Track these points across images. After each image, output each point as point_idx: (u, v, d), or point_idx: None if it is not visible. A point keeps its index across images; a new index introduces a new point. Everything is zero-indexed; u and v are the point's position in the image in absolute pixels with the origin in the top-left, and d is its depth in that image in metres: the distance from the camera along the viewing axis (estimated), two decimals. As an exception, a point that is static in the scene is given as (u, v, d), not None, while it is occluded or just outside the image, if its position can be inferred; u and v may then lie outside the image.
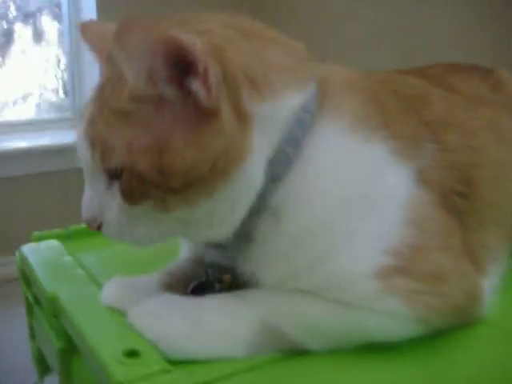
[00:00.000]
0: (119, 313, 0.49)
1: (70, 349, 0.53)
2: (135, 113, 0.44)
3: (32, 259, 0.63)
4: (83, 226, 0.71)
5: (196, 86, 0.41)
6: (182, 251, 0.59)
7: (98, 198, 0.47)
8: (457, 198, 0.53)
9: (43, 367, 0.66)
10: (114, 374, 0.41)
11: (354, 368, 0.45)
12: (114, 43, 0.42)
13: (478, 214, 0.55)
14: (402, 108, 0.54)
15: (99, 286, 0.55)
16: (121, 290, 0.52)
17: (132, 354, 0.43)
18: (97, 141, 0.45)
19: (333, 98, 0.49)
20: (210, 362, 0.44)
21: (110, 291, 0.52)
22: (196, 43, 0.40)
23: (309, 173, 0.46)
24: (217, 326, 0.46)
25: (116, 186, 0.45)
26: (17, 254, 0.67)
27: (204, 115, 0.42)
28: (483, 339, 0.49)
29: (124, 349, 0.43)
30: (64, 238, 0.71)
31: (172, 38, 0.40)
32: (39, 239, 0.69)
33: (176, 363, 0.43)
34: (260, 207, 0.47)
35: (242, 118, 0.43)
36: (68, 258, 0.63)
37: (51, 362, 0.60)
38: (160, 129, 0.43)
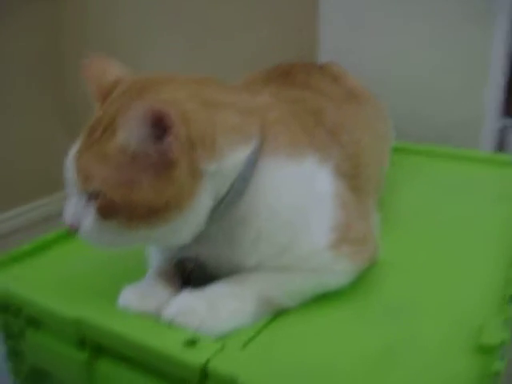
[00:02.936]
0: (145, 315, 0.62)
1: (93, 358, 0.64)
2: (116, 159, 0.58)
3: (14, 288, 0.69)
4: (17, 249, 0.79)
5: (167, 143, 0.56)
6: (155, 253, 0.72)
7: (77, 209, 0.61)
8: (351, 179, 0.75)
9: (37, 379, 0.73)
10: (190, 359, 0.54)
11: (313, 314, 0.65)
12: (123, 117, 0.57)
13: (360, 187, 0.78)
14: (314, 122, 0.73)
15: (106, 297, 0.65)
16: (139, 296, 0.64)
17: (190, 342, 0.57)
18: (81, 169, 0.59)
19: (269, 138, 0.65)
20: (238, 330, 0.61)
21: (131, 299, 0.63)
22: (172, 113, 0.55)
23: (260, 193, 0.64)
24: (230, 307, 0.62)
25: (92, 203, 0.59)
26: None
27: (166, 167, 0.57)
28: (390, 276, 0.73)
29: (184, 340, 0.57)
30: (9, 262, 0.77)
31: (158, 112, 0.55)
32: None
33: (220, 339, 0.59)
34: (228, 218, 0.63)
35: (194, 173, 0.59)
36: (50, 280, 0.71)
37: (64, 375, 0.69)
38: (132, 174, 0.57)
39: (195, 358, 0.55)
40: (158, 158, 0.57)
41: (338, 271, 0.67)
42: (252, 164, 0.63)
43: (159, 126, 0.55)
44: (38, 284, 0.71)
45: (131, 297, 0.64)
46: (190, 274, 0.69)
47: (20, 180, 2.09)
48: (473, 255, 0.79)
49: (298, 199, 0.65)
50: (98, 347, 0.63)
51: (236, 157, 0.62)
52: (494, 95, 1.24)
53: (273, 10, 1.59)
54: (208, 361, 0.55)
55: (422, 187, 1.03)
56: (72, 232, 0.62)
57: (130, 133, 0.57)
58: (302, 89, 0.84)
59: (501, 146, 1.50)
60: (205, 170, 0.59)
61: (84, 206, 0.60)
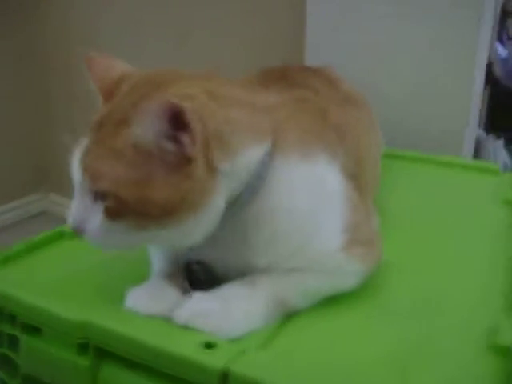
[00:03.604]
0: (154, 318, 0.59)
1: (97, 363, 0.60)
2: (129, 155, 0.55)
3: (6, 290, 0.65)
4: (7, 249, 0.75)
5: (185, 139, 0.54)
6: (160, 254, 0.69)
7: (83, 210, 0.58)
8: (354, 180, 0.74)
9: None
10: (209, 363, 0.52)
11: (325, 316, 0.64)
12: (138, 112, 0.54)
13: (362, 189, 0.77)
14: (321, 122, 0.72)
15: (108, 299, 0.63)
16: (148, 298, 0.61)
17: (208, 345, 0.54)
18: (89, 168, 0.56)
19: (281, 136, 0.63)
20: (253, 333, 0.59)
21: (138, 301, 0.61)
22: (190, 108, 0.53)
23: (275, 193, 0.62)
24: (243, 309, 0.60)
25: (100, 204, 0.56)
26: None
27: (183, 163, 0.55)
28: (395, 278, 0.72)
29: (201, 342, 0.54)
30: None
31: (176, 106, 0.52)
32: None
33: (237, 341, 0.57)
34: (241, 219, 0.62)
35: (210, 170, 0.57)
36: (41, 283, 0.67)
37: (63, 383, 0.64)
38: (146, 171, 0.55)
39: (215, 361, 0.52)
40: (175, 154, 0.54)
41: (350, 272, 0.66)
42: (266, 164, 0.61)
43: (176, 122, 0.53)
44: (34, 286, 0.66)
45: (139, 298, 0.61)
46: (195, 275, 0.66)
47: (5, 177, 2.02)
48: (473, 257, 0.80)
49: (311, 200, 0.64)
50: (101, 352, 0.60)
51: (250, 156, 0.60)
52: (476, 105, 1.26)
53: (259, 10, 1.58)
54: (229, 364, 0.52)
55: (413, 192, 1.04)
56: (77, 235, 0.59)
57: (146, 128, 0.54)
58: (303, 90, 0.83)
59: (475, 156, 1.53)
60: (219, 169, 0.57)
61: (91, 207, 0.57)
